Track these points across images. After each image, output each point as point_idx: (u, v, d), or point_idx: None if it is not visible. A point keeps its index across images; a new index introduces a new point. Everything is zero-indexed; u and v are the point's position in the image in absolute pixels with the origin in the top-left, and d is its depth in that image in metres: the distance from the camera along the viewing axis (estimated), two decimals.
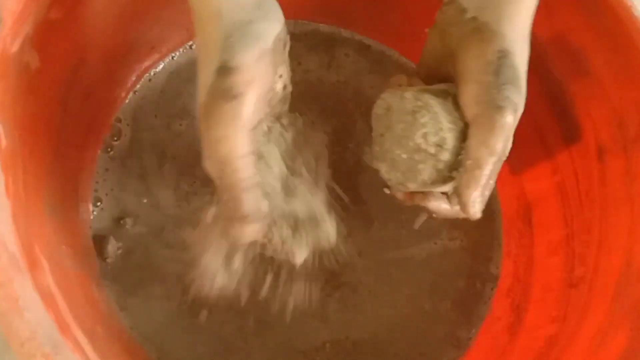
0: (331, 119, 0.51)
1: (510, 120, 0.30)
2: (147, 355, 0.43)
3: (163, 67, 0.50)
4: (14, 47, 0.31)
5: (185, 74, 0.50)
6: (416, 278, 0.48)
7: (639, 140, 0.38)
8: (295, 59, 0.52)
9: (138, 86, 0.49)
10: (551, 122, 0.45)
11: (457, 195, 0.32)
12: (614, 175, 0.40)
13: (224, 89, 0.29)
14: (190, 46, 0.51)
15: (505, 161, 0.45)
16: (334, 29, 0.54)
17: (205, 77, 0.30)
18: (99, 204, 0.46)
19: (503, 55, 0.31)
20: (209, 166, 0.31)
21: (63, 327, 0.28)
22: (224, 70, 0.29)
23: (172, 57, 0.51)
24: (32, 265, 0.29)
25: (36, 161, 0.35)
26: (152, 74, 0.50)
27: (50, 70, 0.36)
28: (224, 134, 0.29)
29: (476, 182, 0.31)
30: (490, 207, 0.51)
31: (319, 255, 0.47)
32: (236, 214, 0.31)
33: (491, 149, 0.30)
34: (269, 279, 0.46)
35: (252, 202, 0.31)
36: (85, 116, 0.43)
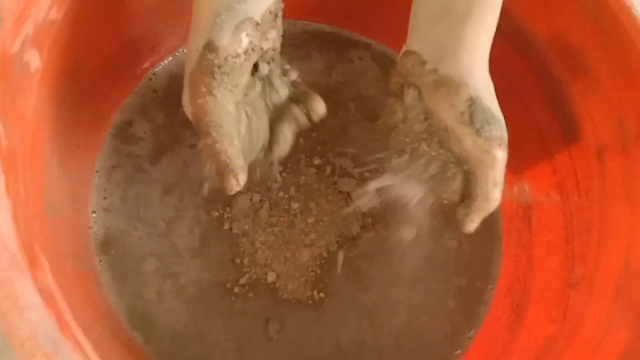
0: (330, 119, 0.51)
1: (500, 154, 0.34)
2: (147, 355, 0.43)
3: (163, 67, 0.50)
4: (14, 47, 0.31)
5: None
6: (416, 278, 0.48)
7: (639, 140, 0.38)
8: (294, 58, 0.53)
9: (138, 86, 0.49)
10: (551, 122, 0.45)
11: (465, 216, 0.36)
12: (614, 175, 0.40)
13: (208, 64, 0.33)
14: None
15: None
16: (334, 29, 0.54)
17: (194, 49, 0.33)
18: (99, 204, 0.46)
19: (472, 103, 0.34)
20: (198, 128, 0.35)
21: (63, 327, 0.28)
22: (210, 47, 0.33)
23: (172, 57, 0.51)
24: (32, 264, 0.29)
25: (36, 161, 0.35)
26: (152, 74, 0.50)
27: (50, 70, 0.36)
28: (204, 103, 0.33)
29: (485, 211, 0.36)
30: None
31: (317, 255, 0.47)
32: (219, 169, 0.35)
33: (495, 182, 0.35)
34: (270, 278, 0.46)
35: (229, 161, 0.34)
36: (85, 116, 0.43)
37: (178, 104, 0.49)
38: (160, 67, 0.50)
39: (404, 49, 0.37)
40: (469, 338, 0.48)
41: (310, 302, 0.46)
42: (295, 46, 0.53)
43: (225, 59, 0.33)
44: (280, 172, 0.49)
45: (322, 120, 0.51)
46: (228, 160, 0.34)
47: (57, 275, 0.32)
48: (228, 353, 0.44)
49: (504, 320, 0.47)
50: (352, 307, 0.46)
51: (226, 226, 0.46)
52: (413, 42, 0.37)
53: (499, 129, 0.34)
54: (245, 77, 0.35)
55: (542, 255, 0.47)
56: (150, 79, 0.50)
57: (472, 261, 0.49)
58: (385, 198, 0.48)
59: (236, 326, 0.44)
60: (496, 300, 0.49)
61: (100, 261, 0.44)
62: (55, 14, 0.35)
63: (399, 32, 0.54)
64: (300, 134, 0.51)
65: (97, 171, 0.47)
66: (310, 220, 0.47)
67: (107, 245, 0.45)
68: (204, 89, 0.33)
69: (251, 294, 0.45)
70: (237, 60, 0.33)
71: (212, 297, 0.45)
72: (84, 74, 0.41)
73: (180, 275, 0.45)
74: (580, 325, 0.40)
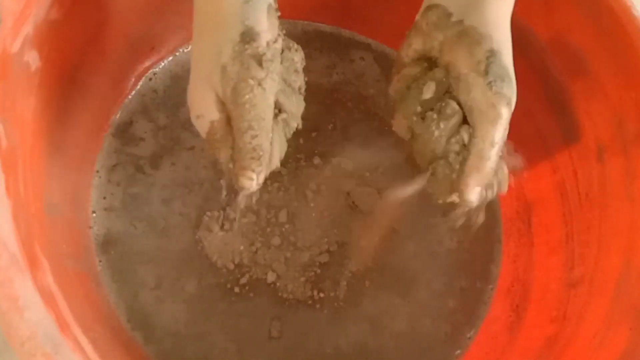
0: (330, 119, 0.51)
1: (505, 112, 0.32)
2: (147, 355, 0.43)
3: (163, 67, 0.50)
4: (14, 47, 0.31)
5: (186, 74, 0.50)
6: (416, 278, 0.48)
7: (639, 140, 0.38)
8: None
9: (138, 86, 0.49)
10: (551, 122, 0.45)
11: (460, 182, 0.34)
12: (614, 175, 0.40)
13: (252, 54, 0.31)
14: None
15: (505, 160, 0.45)
16: (334, 29, 0.54)
17: (224, 40, 0.31)
18: (99, 204, 0.46)
19: (491, 55, 0.33)
20: (236, 123, 0.32)
21: (63, 327, 0.28)
22: (251, 35, 0.31)
23: (172, 57, 0.51)
24: (33, 264, 0.29)
25: (36, 161, 0.35)
26: (152, 74, 0.50)
27: (50, 70, 0.36)
28: (252, 97, 0.31)
29: (478, 173, 0.33)
30: (490, 207, 0.51)
31: (317, 255, 0.47)
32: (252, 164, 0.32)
33: (492, 141, 0.33)
34: (270, 278, 0.46)
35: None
36: (85, 116, 0.43)
37: (178, 105, 0.50)
38: (160, 67, 0.50)
39: (425, 3, 0.36)
40: (469, 338, 0.48)
41: (310, 302, 0.46)
42: (300, 44, 0.53)
43: (268, 45, 0.31)
44: (280, 172, 0.49)
45: (323, 120, 0.51)
46: (261, 153, 0.32)
47: (57, 275, 0.32)
48: (228, 353, 0.44)
49: (504, 320, 0.47)
50: (352, 307, 0.46)
51: (226, 226, 0.46)
52: None
53: (510, 88, 0.33)
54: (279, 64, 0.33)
55: (542, 255, 0.47)
56: (150, 79, 0.50)
57: (472, 261, 0.49)
58: (386, 194, 0.48)
59: (236, 326, 0.44)
60: (496, 300, 0.49)
61: (100, 261, 0.44)
62: (55, 14, 0.35)
63: (400, 33, 0.54)
64: (299, 134, 0.51)
65: (97, 171, 0.47)
66: (311, 220, 0.47)
67: (107, 245, 0.45)
68: (252, 82, 0.31)
69: (251, 294, 0.45)
70: (277, 46, 0.32)
71: (212, 297, 0.45)
72: (84, 74, 0.41)
73: (180, 275, 0.45)
74: (580, 325, 0.40)
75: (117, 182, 0.47)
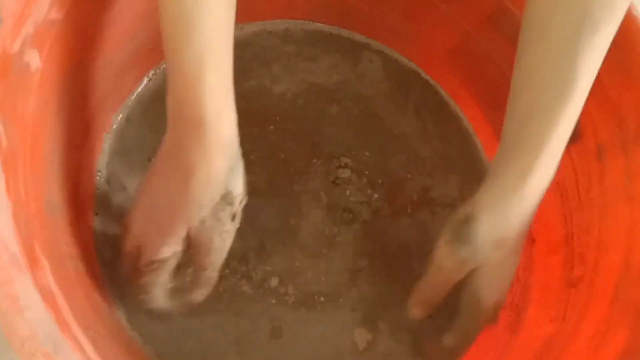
0: (330, 119, 0.51)
1: (449, 266, 0.39)
2: (147, 355, 0.43)
3: (163, 67, 0.50)
4: (14, 47, 0.31)
5: None
6: (416, 278, 0.48)
7: (639, 140, 0.38)
8: (295, 58, 0.53)
9: (138, 86, 0.49)
10: None
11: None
12: (614, 175, 0.40)
13: (221, 215, 0.35)
14: None
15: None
16: (334, 29, 0.54)
17: (204, 197, 0.34)
18: (99, 203, 0.46)
19: (465, 218, 0.36)
20: (199, 258, 0.38)
21: (63, 327, 0.28)
22: (230, 198, 0.35)
23: None
24: (33, 264, 0.29)
25: (36, 161, 0.35)
26: (152, 74, 0.50)
27: (50, 70, 0.36)
28: (222, 244, 0.37)
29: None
30: None
31: (317, 256, 0.47)
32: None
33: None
34: (272, 280, 0.46)
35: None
36: (85, 116, 0.43)
37: None
38: (161, 67, 0.50)
39: None
40: None
41: (311, 304, 0.46)
42: (301, 44, 0.53)
43: (240, 203, 0.36)
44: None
45: (322, 121, 0.51)
46: (213, 283, 0.40)
47: (58, 275, 0.32)
48: (228, 353, 0.44)
49: (504, 320, 0.47)
50: (353, 310, 0.46)
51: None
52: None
53: (469, 252, 0.36)
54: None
55: (541, 254, 0.47)
56: (150, 79, 0.50)
57: None
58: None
59: (236, 327, 0.44)
60: None
61: (100, 261, 0.44)
62: (55, 14, 0.35)
63: (400, 32, 0.54)
64: (298, 135, 0.51)
65: (98, 171, 0.47)
66: (311, 220, 0.47)
67: (107, 245, 0.45)
68: (224, 235, 0.36)
69: (252, 295, 0.45)
70: (244, 202, 0.36)
71: (212, 297, 0.45)
72: (84, 74, 0.41)
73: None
74: (580, 325, 0.40)
75: (118, 183, 0.47)
